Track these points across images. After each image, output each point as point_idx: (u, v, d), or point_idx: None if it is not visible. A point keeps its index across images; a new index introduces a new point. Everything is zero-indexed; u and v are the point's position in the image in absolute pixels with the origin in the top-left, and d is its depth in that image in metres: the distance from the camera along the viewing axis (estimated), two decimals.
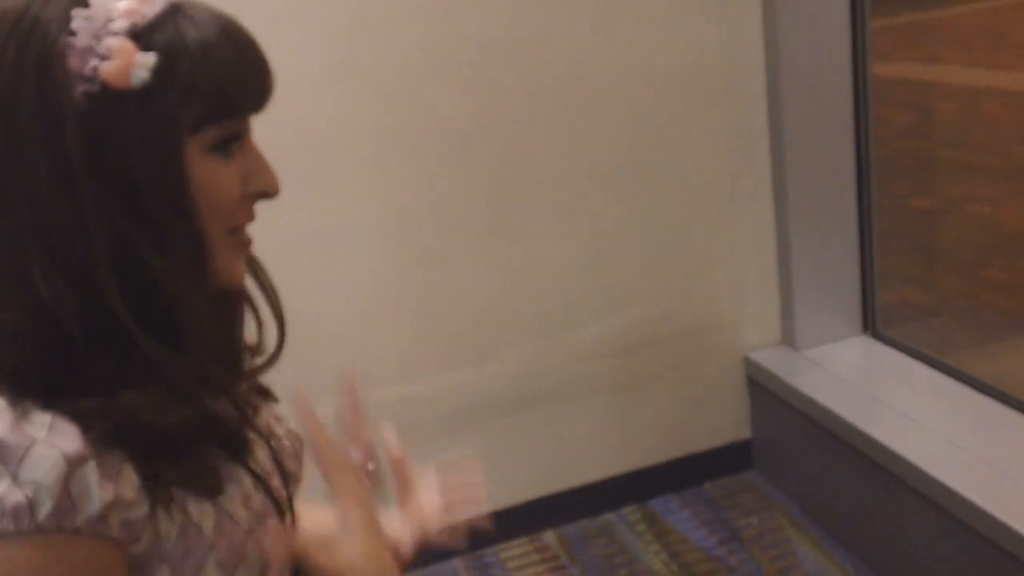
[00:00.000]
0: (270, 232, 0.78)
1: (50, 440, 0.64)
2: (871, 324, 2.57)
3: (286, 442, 0.88)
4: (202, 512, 0.72)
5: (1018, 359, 2.68)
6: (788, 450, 2.52)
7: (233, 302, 0.81)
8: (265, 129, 0.79)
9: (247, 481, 0.77)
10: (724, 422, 2.61)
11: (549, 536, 2.46)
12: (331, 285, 2.17)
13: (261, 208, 0.77)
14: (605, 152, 2.32)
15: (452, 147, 2.20)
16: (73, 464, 0.64)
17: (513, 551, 2.42)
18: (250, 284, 0.83)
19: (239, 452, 0.78)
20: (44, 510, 0.62)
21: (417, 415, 2.29)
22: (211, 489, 0.73)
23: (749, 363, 2.56)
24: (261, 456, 0.81)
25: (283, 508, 0.81)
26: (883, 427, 2.13)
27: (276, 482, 0.82)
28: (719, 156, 2.42)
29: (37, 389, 0.66)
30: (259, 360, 0.85)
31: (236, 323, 0.82)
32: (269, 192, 0.76)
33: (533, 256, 2.33)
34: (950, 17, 4.39)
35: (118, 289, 0.67)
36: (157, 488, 0.69)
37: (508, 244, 2.31)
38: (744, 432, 2.63)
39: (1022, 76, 3.82)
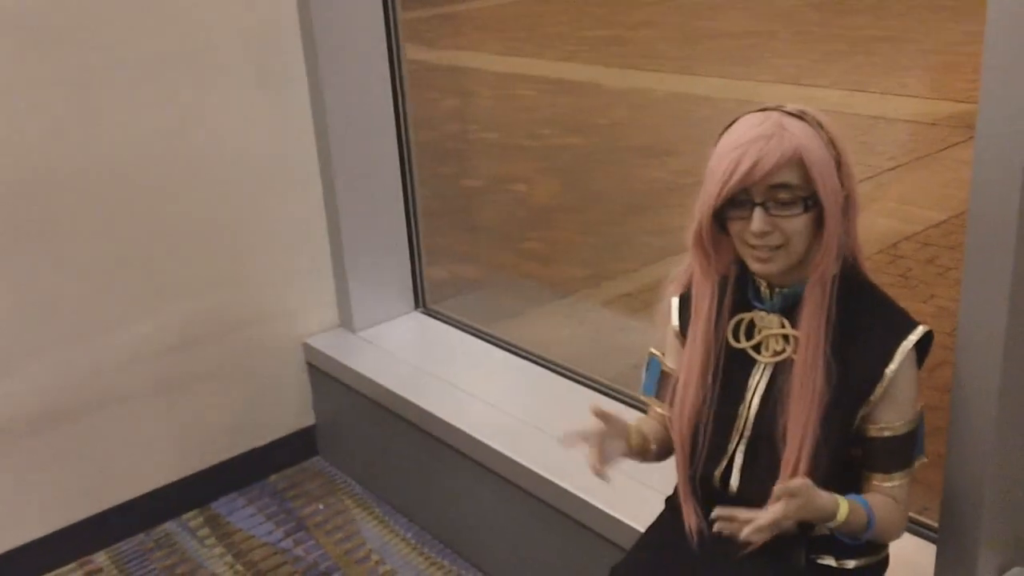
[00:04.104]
0: None
1: None
2: (422, 301, 2.67)
3: None
4: None
5: (552, 324, 2.94)
6: (350, 432, 2.54)
7: None
8: None
9: None
10: (287, 411, 2.57)
11: (101, 557, 2.27)
12: None
13: None
14: (143, 142, 2.16)
15: None
16: None
17: None
18: None
19: None
20: None
21: None
22: None
23: (308, 349, 2.55)
24: None
25: None
26: (432, 398, 2.22)
27: None
28: (266, 143, 2.36)
29: None
30: None
31: None
32: None
33: (64, 259, 2.12)
34: (490, 8, 4.70)
35: None
36: None
37: (34, 248, 2.07)
38: (307, 419, 2.61)
39: (550, 63, 4.19)
